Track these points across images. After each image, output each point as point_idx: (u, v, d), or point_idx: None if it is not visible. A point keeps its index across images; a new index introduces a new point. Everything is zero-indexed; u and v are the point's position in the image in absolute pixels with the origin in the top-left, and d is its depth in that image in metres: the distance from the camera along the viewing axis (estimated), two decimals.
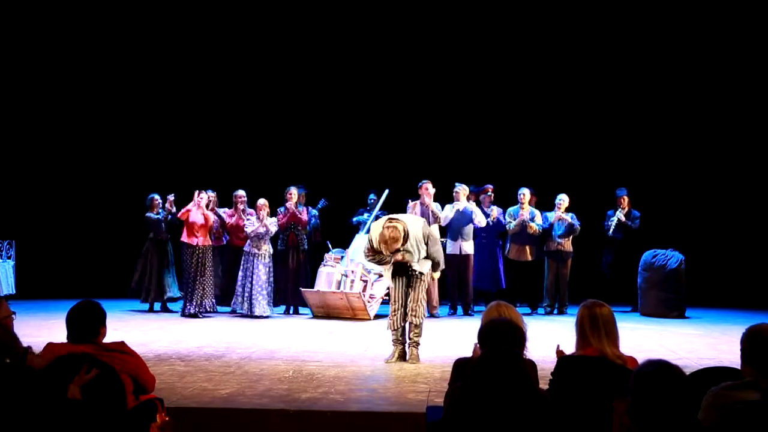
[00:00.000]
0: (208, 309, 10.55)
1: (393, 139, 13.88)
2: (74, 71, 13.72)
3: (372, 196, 12.17)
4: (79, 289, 10.93)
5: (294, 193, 11.02)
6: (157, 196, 11.28)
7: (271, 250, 10.56)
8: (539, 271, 11.58)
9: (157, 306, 11.26)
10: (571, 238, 11.48)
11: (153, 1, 13.64)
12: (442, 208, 10.79)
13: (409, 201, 10.97)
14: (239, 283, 10.48)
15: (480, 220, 10.89)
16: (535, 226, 11.23)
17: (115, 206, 13.36)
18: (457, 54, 13.87)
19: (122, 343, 3.93)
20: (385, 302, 11.02)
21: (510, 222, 11.31)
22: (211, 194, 11.14)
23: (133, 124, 13.99)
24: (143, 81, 13.89)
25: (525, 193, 11.34)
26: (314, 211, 11.58)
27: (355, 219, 12.11)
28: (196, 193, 10.53)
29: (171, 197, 11.20)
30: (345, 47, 13.88)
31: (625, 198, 11.82)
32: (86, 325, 3.83)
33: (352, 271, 10.47)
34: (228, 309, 10.95)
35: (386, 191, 11.45)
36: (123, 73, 13.84)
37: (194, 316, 10.32)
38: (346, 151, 13.82)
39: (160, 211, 11.22)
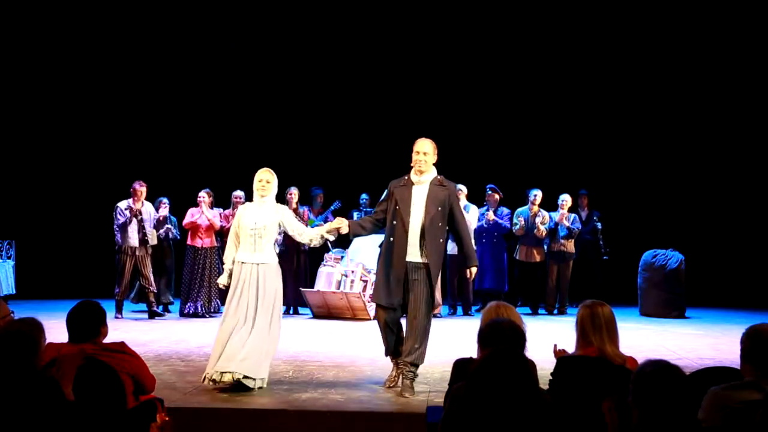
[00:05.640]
0: (212, 310, 10.53)
1: (394, 139, 13.85)
2: (74, 73, 13.72)
3: (364, 196, 12.13)
4: (79, 289, 10.92)
5: (295, 193, 10.99)
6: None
7: (276, 250, 10.50)
8: (546, 273, 11.58)
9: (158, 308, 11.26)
10: (573, 239, 11.48)
11: (150, 2, 13.65)
12: None
13: None
14: None
15: (470, 220, 10.88)
16: (542, 227, 11.21)
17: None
18: (458, 55, 13.88)
19: (122, 344, 3.93)
20: None
21: (516, 223, 11.30)
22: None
23: (133, 124, 13.98)
24: (142, 82, 13.89)
25: (538, 194, 11.32)
26: (326, 214, 11.47)
27: None
28: (206, 195, 10.55)
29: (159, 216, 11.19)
30: (346, 46, 13.88)
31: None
32: (87, 325, 3.83)
33: (352, 271, 10.47)
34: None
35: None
36: (122, 75, 13.83)
37: (195, 315, 10.31)
38: (346, 151, 13.81)
39: (159, 212, 11.19)
